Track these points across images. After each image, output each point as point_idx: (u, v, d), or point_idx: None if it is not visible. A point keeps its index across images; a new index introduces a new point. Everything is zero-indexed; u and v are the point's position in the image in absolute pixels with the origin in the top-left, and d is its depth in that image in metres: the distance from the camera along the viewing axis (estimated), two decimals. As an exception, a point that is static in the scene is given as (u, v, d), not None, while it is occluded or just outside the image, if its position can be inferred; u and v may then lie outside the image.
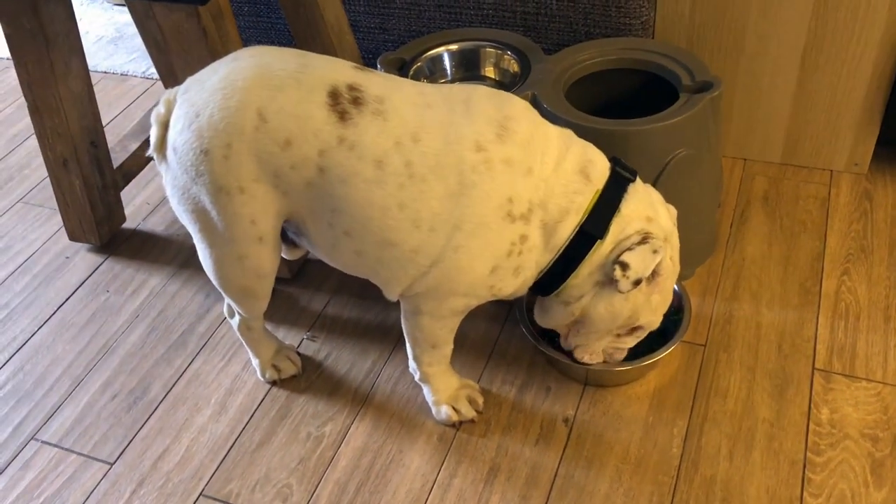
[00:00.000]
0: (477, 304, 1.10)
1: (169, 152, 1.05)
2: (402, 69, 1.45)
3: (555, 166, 1.04)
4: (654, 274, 1.07)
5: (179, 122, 1.03)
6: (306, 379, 1.32)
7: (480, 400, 1.23)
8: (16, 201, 1.76)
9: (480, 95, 1.06)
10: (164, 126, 1.06)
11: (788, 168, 1.64)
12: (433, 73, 1.49)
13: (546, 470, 1.16)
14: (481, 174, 1.00)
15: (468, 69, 1.50)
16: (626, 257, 1.04)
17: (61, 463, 1.23)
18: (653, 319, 1.15)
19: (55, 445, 1.25)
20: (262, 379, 1.31)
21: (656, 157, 1.28)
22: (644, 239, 1.05)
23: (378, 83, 1.04)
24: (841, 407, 1.21)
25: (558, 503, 1.12)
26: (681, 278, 1.37)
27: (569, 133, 1.09)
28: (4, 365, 1.39)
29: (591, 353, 1.19)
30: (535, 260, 1.07)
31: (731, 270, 1.43)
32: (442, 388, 1.22)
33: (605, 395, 1.25)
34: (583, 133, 1.13)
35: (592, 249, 1.06)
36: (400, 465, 1.18)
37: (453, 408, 1.21)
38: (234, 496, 1.16)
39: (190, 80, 1.06)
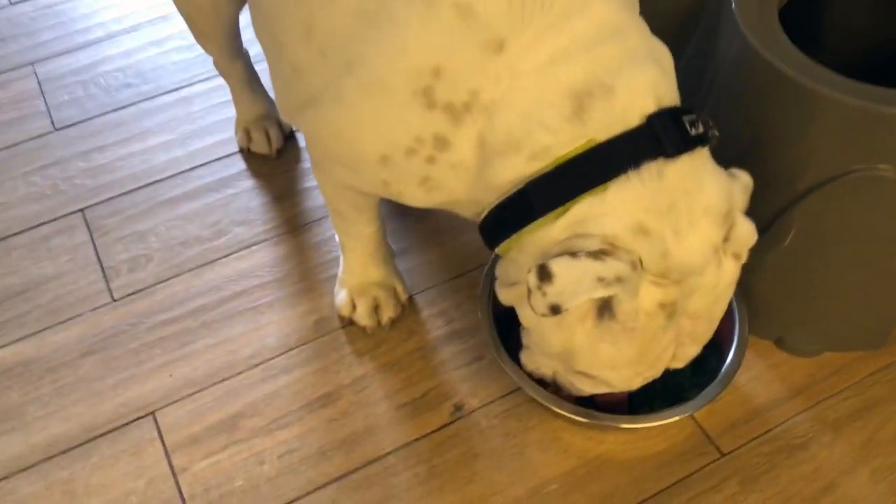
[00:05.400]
0: (372, 193, 0.74)
1: None
2: None
3: (546, 64, 0.60)
4: (609, 314, 0.63)
5: None
6: (271, 165, 1.07)
7: (388, 315, 0.90)
8: None
9: None
10: None
11: None
12: None
13: (380, 444, 0.84)
14: (411, 10, 0.60)
15: None
16: (554, 264, 0.60)
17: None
18: (612, 377, 0.70)
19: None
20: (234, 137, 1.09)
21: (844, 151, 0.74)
22: (601, 252, 0.59)
23: None
24: None
25: (357, 488, 0.81)
26: (796, 352, 0.87)
27: (642, 37, 0.63)
28: None
29: (536, 365, 0.78)
30: (458, 185, 0.67)
31: (880, 381, 0.87)
32: (352, 271, 0.90)
33: (536, 419, 0.85)
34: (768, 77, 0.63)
35: (537, 224, 0.63)
36: (262, 314, 0.93)
37: (351, 300, 0.90)
38: (107, 231, 1.00)
39: None
